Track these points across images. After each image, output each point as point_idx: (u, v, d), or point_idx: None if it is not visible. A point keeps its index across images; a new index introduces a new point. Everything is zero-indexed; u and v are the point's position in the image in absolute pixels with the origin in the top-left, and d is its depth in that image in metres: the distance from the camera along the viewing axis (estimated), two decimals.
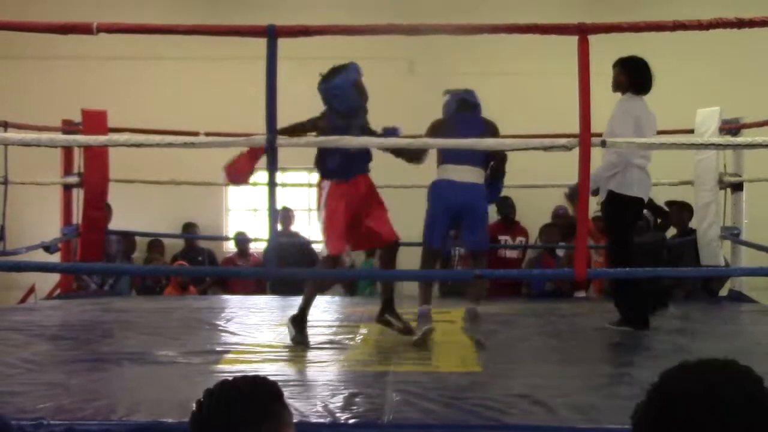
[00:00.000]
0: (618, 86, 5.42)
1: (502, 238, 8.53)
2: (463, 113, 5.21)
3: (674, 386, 1.41)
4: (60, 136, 6.67)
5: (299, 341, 4.85)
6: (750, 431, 1.33)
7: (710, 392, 1.36)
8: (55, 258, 7.05)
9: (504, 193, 8.51)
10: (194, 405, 1.75)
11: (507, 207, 8.58)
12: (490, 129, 5.17)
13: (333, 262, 5.01)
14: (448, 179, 5.09)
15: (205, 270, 9.10)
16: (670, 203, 7.78)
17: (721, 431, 1.33)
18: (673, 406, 1.37)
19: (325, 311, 6.22)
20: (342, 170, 4.91)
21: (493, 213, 8.69)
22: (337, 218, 4.90)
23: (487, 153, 5.11)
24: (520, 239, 8.55)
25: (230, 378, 1.78)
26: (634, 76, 5.39)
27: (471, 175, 5.09)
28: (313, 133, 4.88)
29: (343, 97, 4.88)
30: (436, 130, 5.16)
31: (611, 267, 5.49)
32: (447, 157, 5.09)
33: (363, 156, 4.98)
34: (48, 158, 6.86)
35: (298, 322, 4.92)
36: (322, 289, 5.26)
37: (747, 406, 1.35)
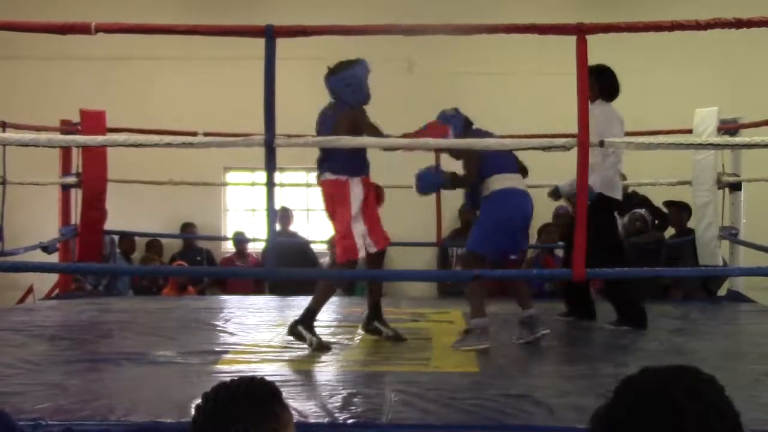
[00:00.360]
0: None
1: None
2: (474, 128, 5.10)
3: (627, 388, 1.42)
4: (58, 137, 6.67)
5: (321, 346, 4.70)
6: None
7: (660, 393, 1.37)
8: (54, 258, 7.04)
9: None
10: (193, 409, 1.76)
11: None
12: None
13: (353, 264, 4.89)
14: (518, 188, 4.99)
15: (204, 270, 9.10)
16: (668, 203, 7.78)
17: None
18: (624, 407, 1.39)
19: (323, 311, 6.20)
20: (363, 168, 4.88)
21: None
22: (367, 216, 4.84)
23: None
24: None
25: (227, 380, 1.77)
26: (604, 84, 5.43)
27: (523, 182, 5.10)
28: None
29: (357, 87, 4.84)
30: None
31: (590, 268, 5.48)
32: (501, 166, 4.97)
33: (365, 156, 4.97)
34: (46, 158, 6.86)
35: (311, 327, 4.77)
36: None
37: (696, 407, 1.36)
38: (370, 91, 4.94)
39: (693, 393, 1.38)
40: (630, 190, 8.37)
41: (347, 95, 4.84)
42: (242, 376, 1.80)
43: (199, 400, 1.76)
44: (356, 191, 4.80)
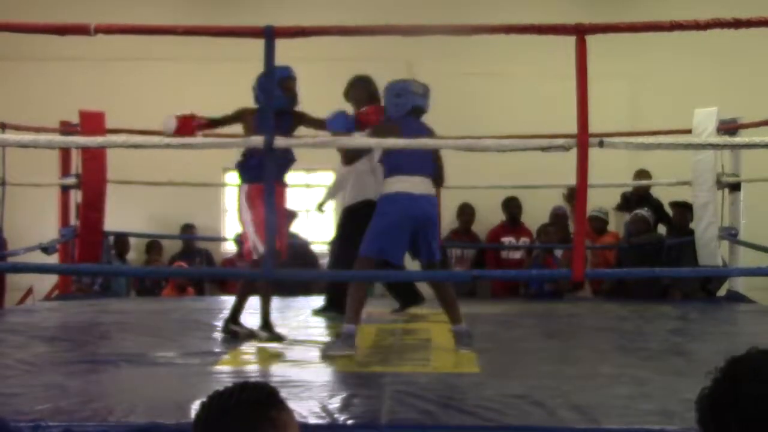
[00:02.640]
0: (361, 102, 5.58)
1: (506, 239, 8.52)
2: (414, 118, 4.89)
3: (731, 373, 1.41)
4: (58, 138, 6.65)
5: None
6: None
7: (760, 379, 1.36)
8: (53, 259, 7.04)
9: (509, 193, 8.57)
10: (193, 419, 1.76)
11: (514, 207, 8.59)
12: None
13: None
14: (410, 192, 4.73)
15: (203, 271, 9.10)
16: (673, 204, 7.77)
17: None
18: (727, 392, 1.38)
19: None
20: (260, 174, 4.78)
21: (499, 213, 8.73)
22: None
23: (434, 161, 4.90)
24: (523, 240, 8.53)
25: (221, 389, 1.77)
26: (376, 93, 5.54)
27: (427, 186, 4.82)
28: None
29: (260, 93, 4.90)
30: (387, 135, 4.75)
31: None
32: (401, 168, 4.74)
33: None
34: (46, 160, 6.85)
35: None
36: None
37: None
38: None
39: None
40: (628, 190, 8.41)
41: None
42: (235, 384, 1.79)
43: (197, 408, 1.76)
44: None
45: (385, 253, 4.72)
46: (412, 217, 4.72)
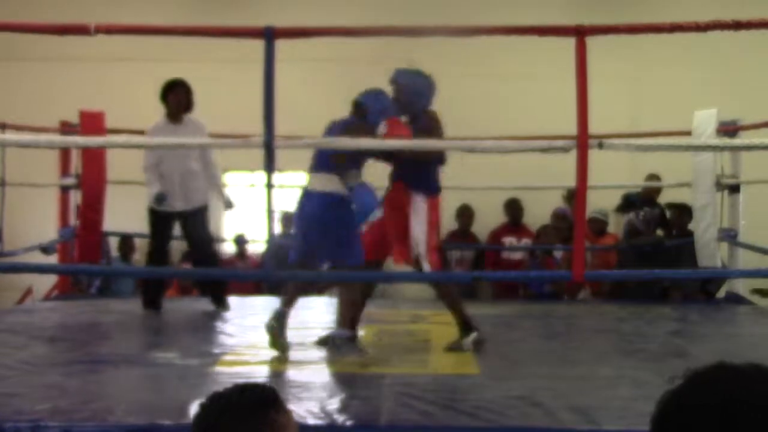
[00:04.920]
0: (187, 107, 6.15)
1: (508, 240, 8.53)
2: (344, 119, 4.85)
3: (691, 396, 1.37)
4: (58, 138, 6.66)
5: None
6: None
7: (726, 404, 1.33)
8: (53, 259, 7.03)
9: (509, 194, 8.57)
10: (192, 420, 1.76)
11: (516, 208, 8.60)
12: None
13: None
14: (307, 189, 4.80)
15: (203, 272, 9.05)
16: (670, 205, 7.78)
17: None
18: (688, 418, 1.35)
19: (321, 313, 6.22)
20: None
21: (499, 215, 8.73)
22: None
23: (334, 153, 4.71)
24: (525, 241, 8.53)
25: (219, 391, 1.76)
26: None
27: (320, 182, 4.75)
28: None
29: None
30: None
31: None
32: (311, 167, 4.83)
33: None
34: (45, 160, 6.85)
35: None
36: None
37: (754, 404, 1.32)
38: None
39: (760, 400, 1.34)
40: (629, 191, 8.41)
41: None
42: (236, 384, 1.79)
43: (196, 410, 1.76)
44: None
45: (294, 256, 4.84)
46: (297, 216, 4.84)
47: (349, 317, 4.72)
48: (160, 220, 6.31)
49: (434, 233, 4.84)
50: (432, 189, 4.81)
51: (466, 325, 4.80)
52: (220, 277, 9.00)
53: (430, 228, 4.76)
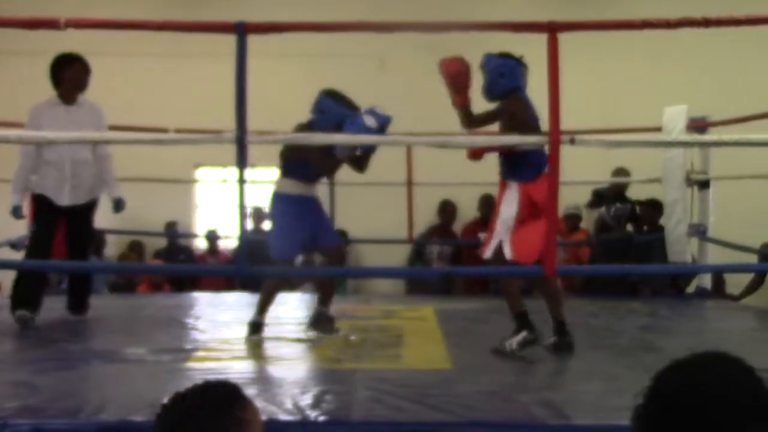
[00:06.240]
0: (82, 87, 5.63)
1: (482, 235, 8.54)
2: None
3: (665, 389, 1.42)
4: (29, 133, 6.58)
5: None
6: (743, 424, 1.34)
7: (696, 391, 1.37)
8: (22, 256, 6.95)
9: (488, 190, 8.59)
10: (153, 422, 1.73)
11: (489, 205, 8.62)
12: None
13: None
14: None
15: (174, 268, 9.03)
16: (639, 202, 7.84)
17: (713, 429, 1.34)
18: (665, 410, 1.38)
19: (294, 308, 6.21)
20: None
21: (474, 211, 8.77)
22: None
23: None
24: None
25: (181, 392, 1.74)
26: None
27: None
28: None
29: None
30: None
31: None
32: None
33: None
34: (12, 154, 6.77)
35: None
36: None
37: (735, 399, 1.36)
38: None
39: (723, 379, 1.38)
40: (600, 186, 8.46)
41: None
42: (196, 384, 1.76)
43: (158, 413, 1.73)
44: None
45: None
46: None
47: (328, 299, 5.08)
48: (47, 210, 5.60)
49: (529, 216, 4.54)
50: (525, 175, 4.59)
51: (521, 321, 4.57)
52: (190, 273, 8.99)
53: (526, 211, 4.54)
